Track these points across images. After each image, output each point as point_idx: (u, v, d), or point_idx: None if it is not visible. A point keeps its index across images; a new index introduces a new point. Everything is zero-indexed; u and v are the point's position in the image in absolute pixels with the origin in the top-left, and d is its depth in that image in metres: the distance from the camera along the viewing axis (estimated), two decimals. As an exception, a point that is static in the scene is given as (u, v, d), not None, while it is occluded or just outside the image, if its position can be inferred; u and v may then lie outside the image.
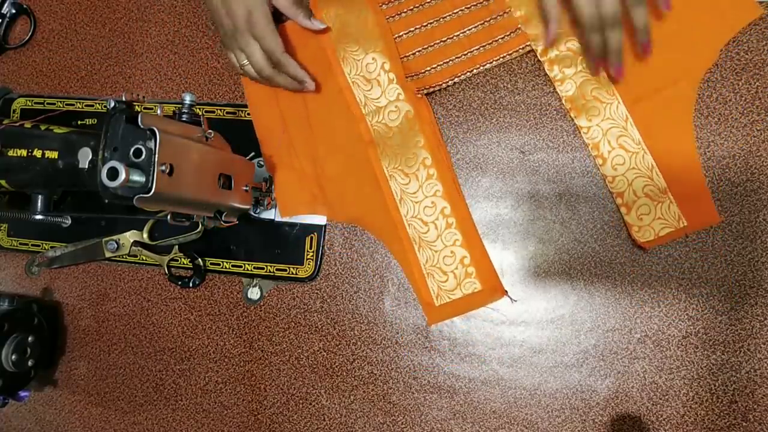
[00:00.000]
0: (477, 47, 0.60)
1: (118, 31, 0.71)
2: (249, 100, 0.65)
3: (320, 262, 0.63)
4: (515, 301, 0.59)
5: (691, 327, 0.56)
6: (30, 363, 0.63)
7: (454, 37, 0.61)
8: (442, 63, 0.61)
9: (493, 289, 0.59)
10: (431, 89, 0.61)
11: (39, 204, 0.59)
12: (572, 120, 0.59)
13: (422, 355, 0.61)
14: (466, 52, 0.60)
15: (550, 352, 0.59)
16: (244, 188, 0.57)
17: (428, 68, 0.61)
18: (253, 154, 0.64)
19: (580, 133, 0.59)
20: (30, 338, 0.63)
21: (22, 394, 0.63)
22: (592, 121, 0.58)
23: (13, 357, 0.60)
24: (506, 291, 0.59)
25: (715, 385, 0.56)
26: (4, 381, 0.60)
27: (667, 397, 0.56)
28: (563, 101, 0.59)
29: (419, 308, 0.61)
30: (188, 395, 0.66)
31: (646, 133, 0.57)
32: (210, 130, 0.53)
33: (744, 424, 0.55)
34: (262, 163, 0.64)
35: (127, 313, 0.67)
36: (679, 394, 0.56)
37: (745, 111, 0.57)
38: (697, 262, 0.57)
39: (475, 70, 0.61)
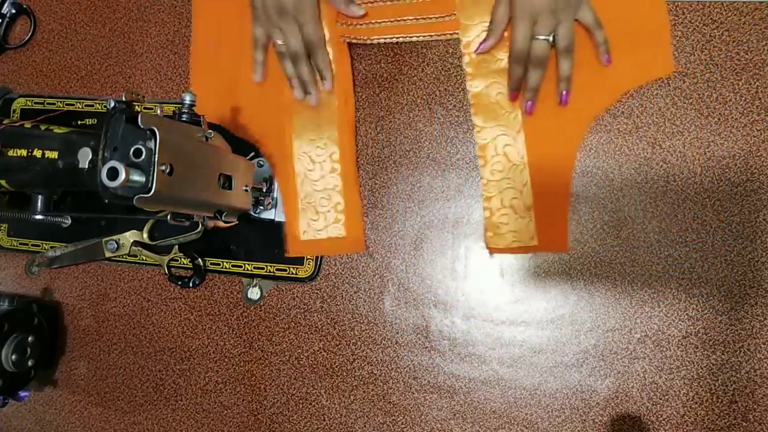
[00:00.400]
0: (411, 17, 0.62)
1: (118, 31, 0.71)
2: (195, 10, 0.68)
3: (320, 262, 0.63)
4: (371, 256, 0.62)
5: (691, 327, 0.56)
6: (30, 363, 0.63)
7: (394, 2, 0.62)
8: (374, 22, 0.62)
9: (355, 240, 0.62)
10: (355, 40, 0.62)
11: (39, 204, 0.59)
12: (473, 117, 0.61)
13: (422, 355, 0.61)
14: (399, 19, 0.62)
15: (550, 352, 0.59)
16: (244, 188, 0.57)
17: (360, 23, 0.62)
18: (252, 154, 0.64)
19: (473, 130, 0.60)
20: (30, 338, 0.63)
21: (22, 394, 0.63)
22: (487, 122, 0.60)
23: (13, 357, 0.60)
24: (367, 247, 0.62)
25: (715, 385, 0.56)
26: (4, 381, 0.60)
27: (667, 397, 0.56)
28: (469, 96, 0.61)
29: (419, 308, 0.61)
30: (188, 395, 0.66)
31: (532, 150, 0.59)
32: (210, 130, 0.53)
33: (744, 424, 0.55)
34: (262, 162, 0.64)
35: (127, 313, 0.67)
36: (679, 394, 0.56)
37: (745, 111, 0.57)
38: (697, 262, 0.57)
39: (402, 39, 0.62)
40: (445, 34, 0.62)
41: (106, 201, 0.46)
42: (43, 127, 0.57)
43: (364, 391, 0.62)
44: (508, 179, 0.59)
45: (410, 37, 0.62)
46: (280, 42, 0.60)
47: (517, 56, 0.56)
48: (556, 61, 0.57)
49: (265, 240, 0.64)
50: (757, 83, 0.57)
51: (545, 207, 0.58)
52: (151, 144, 0.45)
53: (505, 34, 0.58)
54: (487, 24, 0.59)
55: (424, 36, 0.62)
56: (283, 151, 0.63)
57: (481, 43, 0.59)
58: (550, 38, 0.55)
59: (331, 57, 0.62)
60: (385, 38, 0.62)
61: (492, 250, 0.60)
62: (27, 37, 0.72)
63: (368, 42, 0.62)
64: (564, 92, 0.58)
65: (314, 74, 0.62)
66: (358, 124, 0.64)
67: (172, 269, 0.66)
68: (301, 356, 0.63)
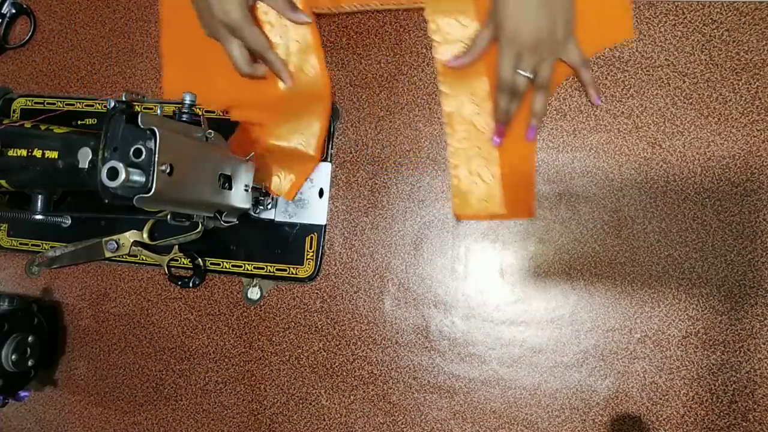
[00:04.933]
0: None
1: (118, 31, 0.71)
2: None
3: (320, 262, 0.63)
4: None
5: (691, 327, 0.56)
6: (30, 363, 0.63)
7: None
8: None
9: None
10: (320, 11, 0.63)
11: (39, 204, 0.59)
12: (439, 84, 0.61)
13: (422, 355, 0.61)
14: None
15: (550, 352, 0.59)
16: (244, 188, 0.57)
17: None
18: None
19: (440, 97, 0.61)
20: (30, 338, 0.63)
21: (22, 394, 0.63)
22: (454, 90, 0.60)
23: (13, 357, 0.60)
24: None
25: (715, 385, 0.56)
26: (4, 381, 0.60)
27: (667, 397, 0.56)
28: (436, 63, 0.61)
29: (419, 308, 0.61)
30: (188, 395, 0.66)
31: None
32: (210, 130, 0.53)
33: (744, 424, 0.55)
34: (262, 163, 0.64)
35: (127, 313, 0.67)
36: (679, 394, 0.56)
37: (745, 111, 0.57)
38: (697, 262, 0.57)
39: (363, 7, 0.62)
40: (407, 3, 0.61)
41: (106, 201, 0.46)
42: (43, 127, 0.57)
43: (364, 391, 0.62)
44: (476, 147, 0.60)
45: (372, 5, 0.62)
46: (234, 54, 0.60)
47: (503, 86, 0.56)
48: (531, 94, 0.57)
49: (265, 240, 0.64)
50: (757, 83, 0.57)
51: (512, 174, 0.59)
52: (151, 144, 0.45)
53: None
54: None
55: (384, 5, 0.62)
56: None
57: (456, 58, 0.59)
58: (531, 75, 0.55)
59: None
60: (346, 8, 0.62)
61: (459, 217, 0.61)
62: (27, 37, 0.72)
63: (333, 12, 0.62)
64: (532, 126, 0.58)
65: (280, 63, 0.61)
66: (358, 123, 0.64)
67: (172, 269, 0.66)
68: (301, 356, 0.63)
